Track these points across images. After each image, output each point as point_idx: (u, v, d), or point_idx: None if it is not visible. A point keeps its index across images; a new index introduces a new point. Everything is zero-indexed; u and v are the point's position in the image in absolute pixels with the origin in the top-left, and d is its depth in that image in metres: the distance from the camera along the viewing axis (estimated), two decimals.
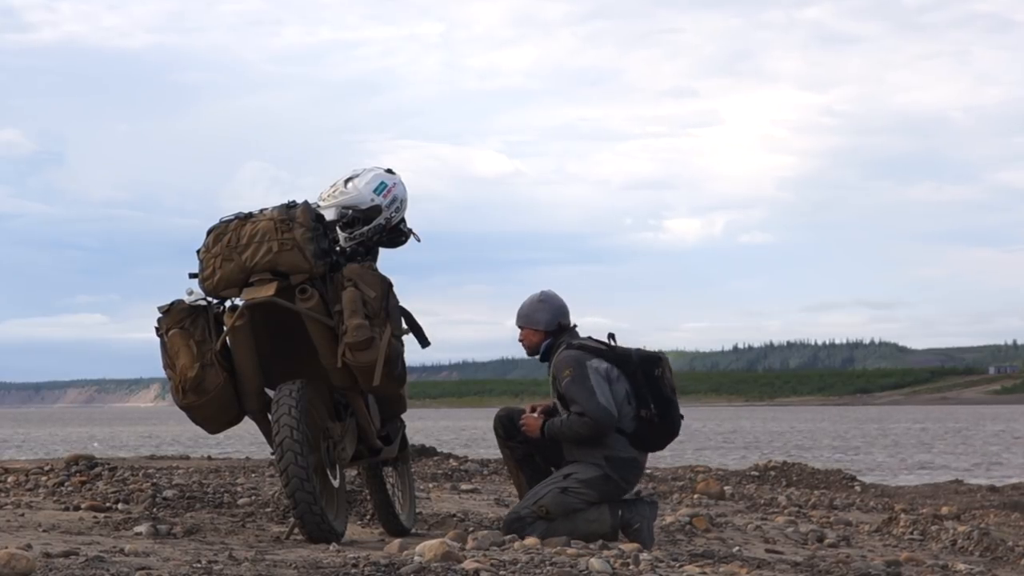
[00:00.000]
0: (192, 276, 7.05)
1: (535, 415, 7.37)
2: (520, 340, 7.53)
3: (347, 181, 7.45)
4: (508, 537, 7.00)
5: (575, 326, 7.49)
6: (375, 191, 7.41)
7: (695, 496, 11.38)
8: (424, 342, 7.38)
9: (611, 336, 7.41)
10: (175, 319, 6.99)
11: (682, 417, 7.39)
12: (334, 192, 7.42)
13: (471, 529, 7.75)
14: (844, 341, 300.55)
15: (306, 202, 7.03)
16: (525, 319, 7.49)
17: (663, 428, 7.30)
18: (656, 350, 7.42)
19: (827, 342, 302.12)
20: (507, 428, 7.47)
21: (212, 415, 7.05)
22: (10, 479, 9.07)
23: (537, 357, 7.51)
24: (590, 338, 7.42)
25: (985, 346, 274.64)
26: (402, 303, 7.14)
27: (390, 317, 6.95)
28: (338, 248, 7.22)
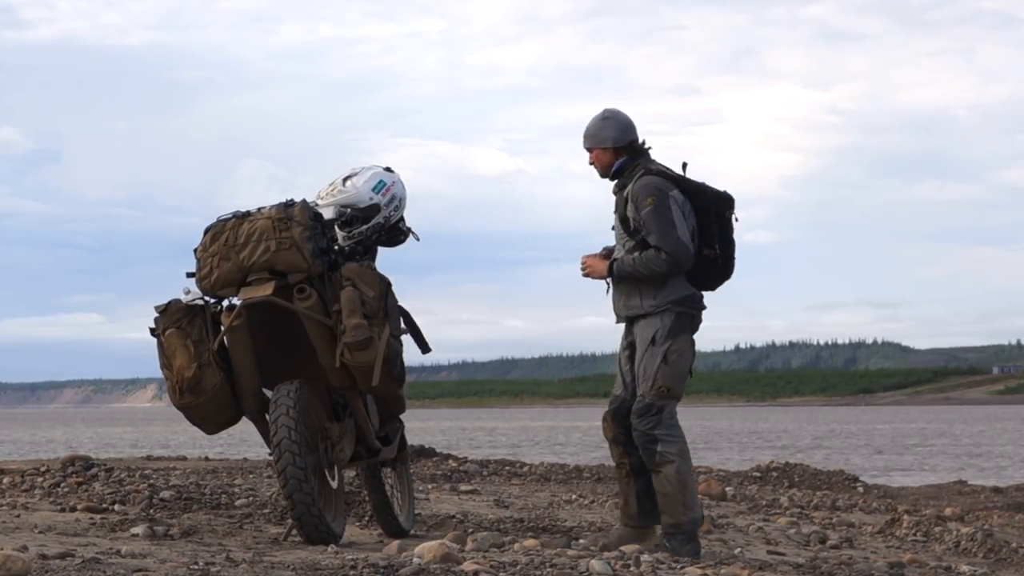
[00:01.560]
0: (189, 275, 7.01)
1: (597, 257, 7.13)
2: (591, 163, 7.19)
3: (346, 179, 7.41)
4: (508, 539, 6.95)
5: (648, 147, 7.18)
6: (374, 189, 7.37)
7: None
8: (424, 348, 7.32)
9: (684, 166, 7.13)
10: (172, 319, 6.94)
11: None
12: (332, 191, 7.38)
13: (470, 530, 7.71)
14: (847, 341, 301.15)
15: (304, 201, 6.99)
16: (593, 139, 7.16)
17: (723, 270, 7.09)
18: (726, 191, 7.12)
19: (830, 342, 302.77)
20: (628, 433, 7.10)
21: (209, 415, 7.00)
22: (5, 480, 9.02)
23: (608, 179, 7.17)
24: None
25: (989, 346, 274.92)
26: (401, 303, 7.10)
27: (389, 317, 6.90)
28: (336, 247, 7.18)
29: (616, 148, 7.14)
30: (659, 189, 6.98)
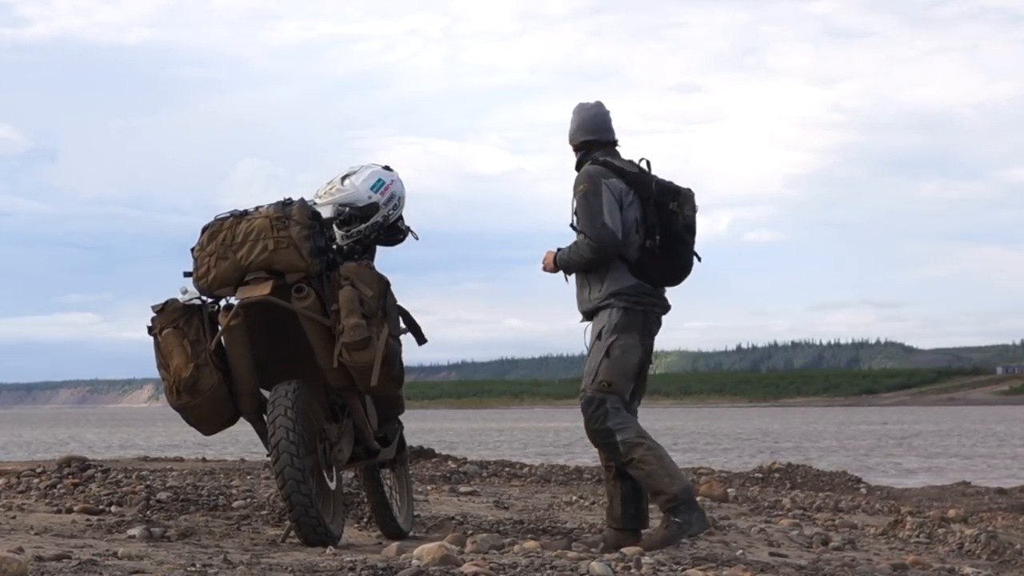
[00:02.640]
0: (187, 275, 6.98)
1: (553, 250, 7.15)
2: None
3: (344, 178, 7.37)
4: (508, 540, 6.91)
5: (614, 143, 7.17)
6: (372, 188, 7.33)
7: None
8: (420, 339, 7.30)
9: (646, 162, 7.10)
10: (169, 318, 6.91)
11: (699, 259, 7.10)
12: (331, 189, 7.34)
13: (470, 532, 7.67)
14: (850, 341, 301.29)
15: (302, 199, 6.97)
16: None
17: (664, 262, 7.01)
18: (685, 187, 7.10)
19: (832, 342, 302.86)
20: None
21: (207, 416, 6.97)
22: (1, 481, 8.99)
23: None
24: (630, 161, 7.10)
25: (993, 346, 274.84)
26: (400, 302, 7.07)
27: (388, 316, 6.86)
28: (335, 246, 7.14)
29: (572, 144, 7.20)
30: (591, 177, 6.99)
